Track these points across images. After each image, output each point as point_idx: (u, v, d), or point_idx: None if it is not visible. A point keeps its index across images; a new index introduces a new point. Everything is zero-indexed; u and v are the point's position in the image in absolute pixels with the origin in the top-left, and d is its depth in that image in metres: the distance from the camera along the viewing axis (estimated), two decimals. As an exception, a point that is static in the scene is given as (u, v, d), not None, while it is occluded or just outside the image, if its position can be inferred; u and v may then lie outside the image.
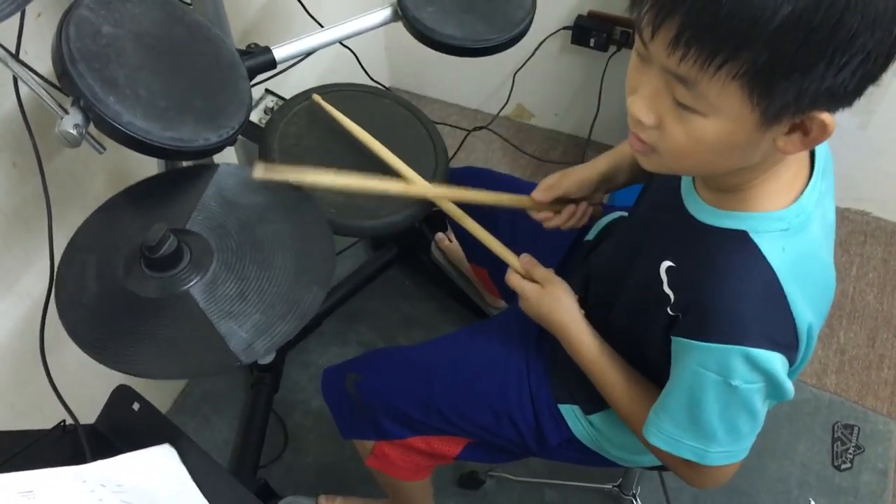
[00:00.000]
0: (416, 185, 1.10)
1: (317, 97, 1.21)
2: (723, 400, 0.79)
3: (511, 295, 1.37)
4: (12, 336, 1.19)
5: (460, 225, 1.08)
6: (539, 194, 1.07)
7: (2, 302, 1.16)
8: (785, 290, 0.76)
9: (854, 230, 2.06)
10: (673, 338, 0.83)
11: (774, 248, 0.76)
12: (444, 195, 1.08)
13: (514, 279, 1.03)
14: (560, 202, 1.08)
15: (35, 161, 0.88)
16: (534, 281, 1.02)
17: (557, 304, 0.99)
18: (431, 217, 1.34)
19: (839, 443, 1.68)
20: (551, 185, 1.07)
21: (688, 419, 0.82)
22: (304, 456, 1.66)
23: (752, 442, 0.84)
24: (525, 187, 1.26)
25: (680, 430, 0.83)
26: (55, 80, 0.86)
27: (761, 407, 0.80)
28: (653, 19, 0.65)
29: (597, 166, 1.07)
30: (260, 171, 0.94)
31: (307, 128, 1.20)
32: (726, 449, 0.82)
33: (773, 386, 0.78)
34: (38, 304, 1.16)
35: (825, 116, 0.66)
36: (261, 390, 1.68)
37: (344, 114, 1.17)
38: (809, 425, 1.70)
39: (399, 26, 1.27)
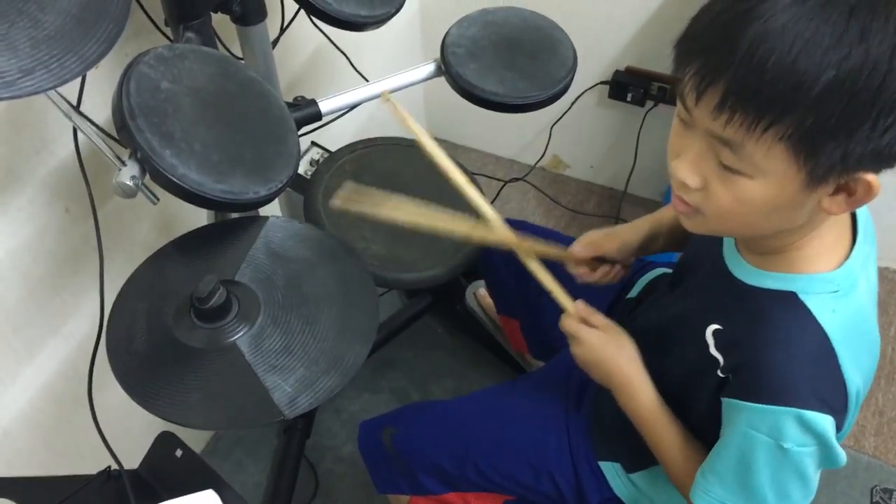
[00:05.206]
0: (490, 228, 1.05)
1: (387, 95, 1.14)
2: (774, 464, 0.78)
3: (541, 351, 1.36)
4: (56, 377, 1.20)
5: (523, 267, 1.03)
6: (580, 249, 1.06)
7: (48, 343, 1.18)
8: (837, 351, 0.75)
9: (893, 290, 2.03)
10: (723, 399, 0.82)
11: (825, 310, 0.76)
12: (510, 241, 1.04)
13: (569, 324, 0.98)
14: (597, 260, 1.08)
15: (87, 207, 0.91)
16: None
17: (621, 350, 0.95)
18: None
19: (878, 508, 1.64)
20: (594, 243, 1.07)
21: (737, 483, 0.81)
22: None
23: None
24: (564, 241, 1.27)
25: (729, 494, 0.82)
26: (111, 131, 0.89)
27: (813, 473, 0.79)
28: (697, 85, 0.66)
29: (638, 231, 1.07)
30: (337, 203, 0.98)
31: (352, 181, 1.21)
32: None
33: (824, 450, 0.77)
34: (83, 346, 1.18)
35: (871, 177, 0.66)
36: (293, 435, 1.67)
37: (391, 166, 1.18)
38: (847, 489, 1.66)
39: (439, 79, 1.29)
